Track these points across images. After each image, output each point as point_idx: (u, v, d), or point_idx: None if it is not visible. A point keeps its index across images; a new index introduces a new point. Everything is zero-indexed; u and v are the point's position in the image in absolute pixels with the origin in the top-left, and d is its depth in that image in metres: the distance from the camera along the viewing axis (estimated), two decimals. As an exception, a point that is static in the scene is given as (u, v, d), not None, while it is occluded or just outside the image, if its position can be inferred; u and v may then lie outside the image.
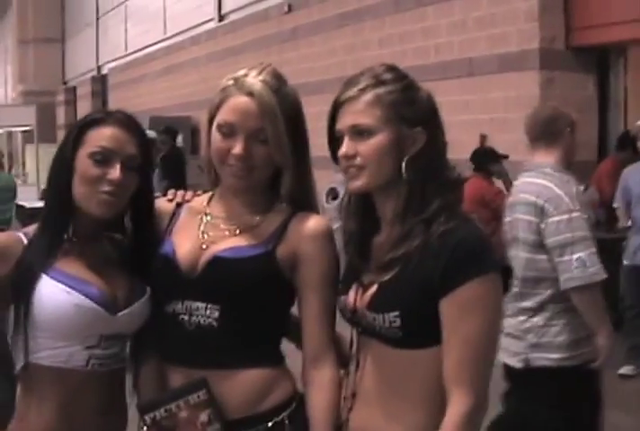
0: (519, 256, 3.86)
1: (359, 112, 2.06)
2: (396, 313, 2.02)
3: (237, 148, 2.17)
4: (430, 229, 2.03)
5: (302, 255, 2.21)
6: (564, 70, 8.97)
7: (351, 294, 2.14)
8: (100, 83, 26.39)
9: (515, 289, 3.86)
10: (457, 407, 1.98)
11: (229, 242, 2.23)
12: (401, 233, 2.07)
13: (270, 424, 2.19)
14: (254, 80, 2.19)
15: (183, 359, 2.21)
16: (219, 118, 2.20)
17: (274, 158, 2.20)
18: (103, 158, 2.20)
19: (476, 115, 9.51)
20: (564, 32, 8.93)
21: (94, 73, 27.22)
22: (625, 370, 6.66)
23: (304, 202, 2.28)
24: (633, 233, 6.85)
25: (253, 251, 2.20)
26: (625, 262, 6.79)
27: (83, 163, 2.21)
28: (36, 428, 2.21)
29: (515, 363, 3.82)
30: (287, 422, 2.20)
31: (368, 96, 2.06)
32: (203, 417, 2.16)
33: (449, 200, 2.08)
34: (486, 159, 8.16)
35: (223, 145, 2.19)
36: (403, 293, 2.03)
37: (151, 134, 13.75)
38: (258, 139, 2.18)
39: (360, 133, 2.06)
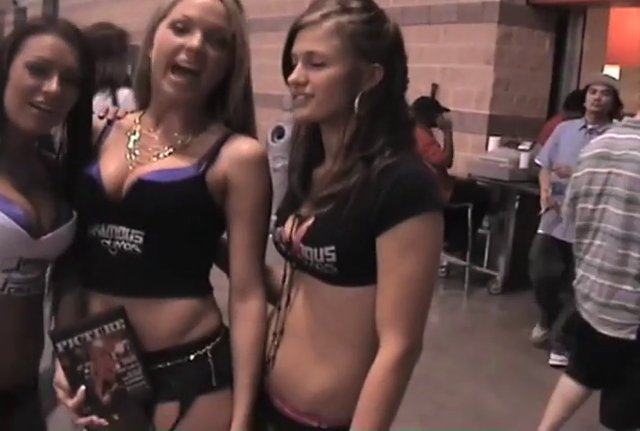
0: (612, 213, 3.79)
1: (316, 39, 1.96)
2: (332, 248, 1.94)
3: (194, 41, 2.03)
4: (371, 165, 1.95)
5: (233, 180, 2.10)
6: (523, 26, 8.94)
7: (287, 226, 2.07)
8: (51, 6, 25.81)
9: (599, 244, 3.83)
10: (389, 349, 1.91)
11: (157, 164, 2.12)
12: (341, 168, 1.98)
13: (191, 357, 2.12)
14: None
15: (105, 286, 2.13)
16: (175, 15, 2.07)
17: (234, 65, 2.10)
18: (40, 68, 2.05)
19: (430, 64, 9.45)
20: (526, -13, 8.89)
21: (47, -6, 26.63)
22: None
23: (242, 125, 2.16)
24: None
25: (182, 175, 2.08)
26: (539, 231, 6.19)
27: (18, 72, 2.06)
28: None
29: (627, 335, 3.78)
30: (210, 356, 2.13)
31: (330, 23, 1.95)
32: (119, 347, 2.07)
33: (396, 139, 1.99)
34: (430, 110, 8.14)
35: (175, 41, 2.05)
36: (339, 227, 1.95)
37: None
38: (215, 40, 2.07)
39: (314, 61, 1.96)
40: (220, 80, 2.12)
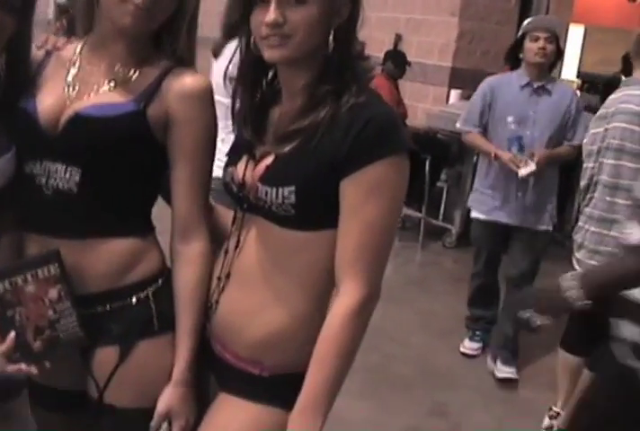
0: (605, 164, 3.81)
1: None
2: (292, 188, 1.86)
3: None
4: (340, 100, 1.87)
5: (175, 116, 2.02)
6: (489, -22, 8.90)
7: (240, 166, 1.99)
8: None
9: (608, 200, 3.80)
10: (349, 296, 1.85)
11: (96, 98, 2.03)
12: (308, 103, 1.90)
13: (133, 299, 2.06)
14: None
15: (40, 226, 2.05)
16: None
17: (183, 2, 2.02)
18: None
19: (394, 14, 9.38)
20: (493, -60, 8.83)
21: None
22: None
23: (185, 59, 2.08)
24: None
25: (121, 109, 2.00)
26: (479, 216, 5.22)
27: None
28: None
29: None
30: (151, 298, 2.07)
31: None
32: (52, 293, 1.99)
33: (361, 74, 1.94)
34: (399, 63, 8.11)
35: None
36: (302, 166, 1.87)
37: (63, -1, 13.31)
38: None
39: None
40: (170, 12, 2.04)
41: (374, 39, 9.37)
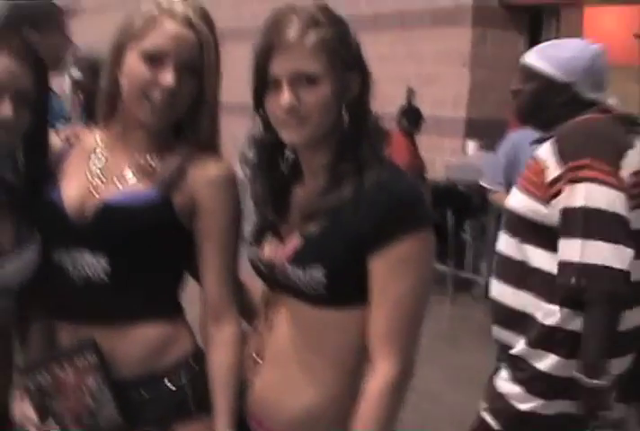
0: None
1: (303, 57, 1.87)
2: (321, 268, 1.86)
3: (168, 78, 1.97)
4: (362, 177, 1.88)
5: (200, 203, 2.03)
6: (496, 28, 8.95)
7: (267, 247, 1.99)
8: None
9: None
10: (384, 371, 1.84)
11: (121, 187, 2.04)
12: (331, 181, 1.91)
13: (167, 383, 2.05)
14: (187, 10, 2.01)
15: (71, 315, 2.04)
16: (147, 45, 1.99)
17: (203, 93, 2.03)
18: None
19: (405, 68, 9.42)
20: (499, -11, 8.89)
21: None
22: None
23: (209, 145, 2.09)
24: None
25: (147, 197, 2.01)
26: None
27: None
28: None
29: None
30: (186, 381, 2.06)
31: (312, 39, 1.86)
32: (90, 381, 1.99)
33: (379, 147, 1.94)
34: (414, 118, 8.14)
35: (149, 75, 1.98)
36: (330, 246, 1.88)
37: (76, 74, 13.47)
38: (187, 71, 2.00)
39: (304, 80, 1.88)
40: (190, 103, 2.06)
41: (386, 94, 9.35)
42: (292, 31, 1.87)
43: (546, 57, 2.80)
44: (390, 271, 1.85)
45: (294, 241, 1.93)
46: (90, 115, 9.62)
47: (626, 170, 2.56)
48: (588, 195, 2.48)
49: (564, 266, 2.48)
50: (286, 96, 1.88)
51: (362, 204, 1.86)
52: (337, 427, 1.91)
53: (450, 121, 8.88)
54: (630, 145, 2.64)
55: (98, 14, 19.21)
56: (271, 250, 1.98)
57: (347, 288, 1.90)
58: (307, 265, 1.88)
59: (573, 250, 2.46)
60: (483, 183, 5.11)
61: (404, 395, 1.89)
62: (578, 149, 2.53)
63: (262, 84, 1.93)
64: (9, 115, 1.97)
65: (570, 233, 2.48)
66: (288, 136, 1.93)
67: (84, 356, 1.99)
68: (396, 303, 1.86)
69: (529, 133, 4.39)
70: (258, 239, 2.04)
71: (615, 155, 2.58)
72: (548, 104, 2.81)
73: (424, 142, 8.78)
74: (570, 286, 2.45)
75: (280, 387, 1.98)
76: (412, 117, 8.27)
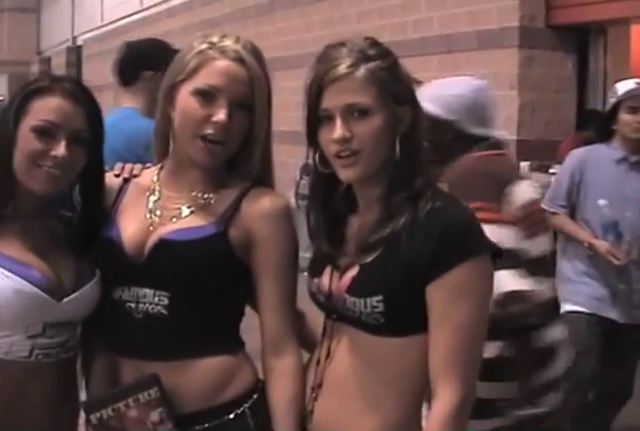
0: None
1: (353, 90, 1.91)
2: (379, 298, 1.89)
3: (221, 114, 2.01)
4: (417, 206, 1.91)
5: (256, 236, 2.07)
6: (544, 48, 8.89)
7: (325, 277, 2.02)
8: (75, 54, 26.07)
9: None
10: (444, 401, 1.86)
11: (178, 223, 2.08)
12: (386, 212, 1.94)
13: (230, 416, 2.06)
14: (237, 46, 2.05)
15: (133, 350, 2.07)
16: (199, 82, 2.03)
17: (254, 128, 2.07)
18: (47, 132, 2.02)
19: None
20: (545, 10, 8.84)
21: (69, 43, 26.88)
22: None
23: (262, 178, 2.13)
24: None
25: (204, 233, 2.05)
26: (578, 309, 4.31)
27: (25, 137, 2.03)
28: None
29: None
30: (248, 414, 2.07)
31: (362, 72, 1.91)
32: (154, 416, 2.01)
33: (431, 177, 1.99)
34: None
35: (201, 112, 2.02)
36: (387, 275, 1.90)
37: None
38: (239, 108, 2.04)
39: (355, 113, 1.91)
40: (242, 138, 2.10)
41: (436, 118, 9.37)
42: (343, 65, 1.91)
43: (432, 98, 2.90)
44: (448, 299, 1.87)
45: (351, 272, 1.96)
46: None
47: (514, 204, 2.75)
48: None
49: None
50: (338, 129, 1.91)
51: (417, 232, 1.89)
52: None
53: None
54: (513, 181, 2.84)
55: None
56: (330, 282, 2.00)
57: (406, 316, 1.92)
58: (365, 294, 1.91)
59: None
60: (542, 205, 4.40)
61: (467, 419, 1.91)
62: (465, 194, 2.55)
63: (315, 119, 1.96)
64: (64, 154, 2.01)
65: None
66: (344, 174, 1.96)
67: (148, 392, 2.01)
68: (456, 331, 1.87)
69: (597, 150, 4.51)
70: (316, 270, 2.06)
71: (500, 193, 2.78)
72: (439, 142, 2.92)
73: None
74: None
75: (340, 416, 1.99)
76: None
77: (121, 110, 3.95)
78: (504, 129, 8.88)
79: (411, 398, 1.94)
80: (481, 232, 1.94)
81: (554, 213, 4.39)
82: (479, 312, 1.90)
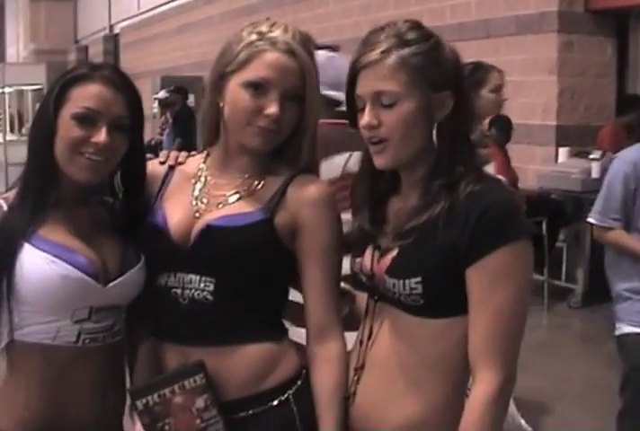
0: None
1: (382, 77, 1.90)
2: (418, 279, 1.88)
3: (273, 108, 2.01)
4: (456, 191, 1.89)
5: (302, 222, 2.06)
6: (583, 33, 8.82)
7: (367, 257, 2.01)
8: (112, 43, 26.20)
9: None
10: (485, 384, 1.85)
11: (224, 210, 2.08)
12: (424, 200, 1.93)
13: (274, 403, 2.06)
14: (287, 37, 2.04)
15: (178, 336, 2.08)
16: (250, 74, 2.03)
17: (304, 118, 2.07)
18: (88, 119, 2.01)
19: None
20: (584, -5, 8.78)
21: (106, 32, 27.00)
22: None
23: (308, 167, 2.14)
24: None
25: (250, 219, 2.05)
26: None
27: (65, 124, 2.02)
28: (24, 411, 2.05)
29: None
30: (292, 400, 2.07)
31: (392, 59, 1.89)
32: (199, 402, 2.02)
33: (475, 164, 1.95)
34: (505, 128, 8.07)
35: (253, 104, 2.02)
36: (426, 257, 1.89)
37: (161, 94, 13.72)
38: (290, 99, 2.04)
39: (383, 100, 1.91)
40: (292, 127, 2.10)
41: (474, 104, 9.34)
42: (376, 51, 1.91)
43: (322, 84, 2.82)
44: (488, 282, 1.85)
45: (391, 253, 1.95)
46: (178, 133, 9.80)
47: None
48: None
49: None
50: (366, 116, 1.93)
51: (456, 215, 1.87)
52: None
53: (541, 129, 8.79)
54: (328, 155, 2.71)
55: (179, 35, 19.49)
56: (371, 262, 2.00)
57: (445, 298, 1.91)
58: (404, 276, 1.90)
59: None
60: (591, 220, 3.93)
61: (508, 403, 1.90)
62: None
63: (354, 104, 1.97)
64: (106, 141, 2.01)
65: None
66: (376, 160, 1.97)
67: (193, 378, 2.01)
68: (495, 314, 1.85)
69: None
70: (358, 250, 2.06)
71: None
72: None
73: (515, 151, 8.68)
74: None
75: (381, 398, 1.98)
76: (501, 127, 8.20)
77: None
78: (544, 115, 8.78)
79: (453, 380, 1.93)
80: (522, 215, 1.91)
81: (607, 228, 3.80)
82: (519, 297, 1.87)
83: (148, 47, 21.99)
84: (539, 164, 8.64)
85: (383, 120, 1.92)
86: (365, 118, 1.93)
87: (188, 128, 11.51)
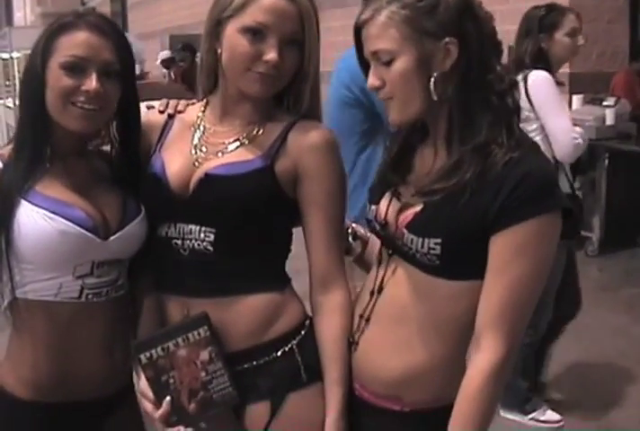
0: None
1: (375, 37, 1.86)
2: (438, 240, 1.83)
3: (272, 54, 1.97)
4: (488, 157, 1.81)
5: (303, 169, 2.03)
6: (595, -21, 8.72)
7: (383, 204, 1.97)
8: (119, 3, 26.04)
9: None
10: (489, 354, 1.81)
11: (224, 158, 2.05)
12: (450, 163, 1.86)
13: (278, 353, 2.05)
14: None
15: (180, 288, 2.06)
16: (247, 20, 1.98)
17: (304, 64, 2.04)
18: (77, 67, 1.97)
19: (504, 26, 9.25)
20: (595, -62, 8.66)
21: (114, -8, 26.85)
22: None
23: (310, 113, 2.10)
24: None
25: (249, 167, 2.01)
26: None
27: (54, 75, 1.98)
28: (30, 370, 2.05)
29: None
30: (296, 350, 2.06)
31: (382, 17, 1.84)
32: (204, 355, 2.01)
33: (503, 119, 1.85)
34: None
35: (251, 50, 1.98)
36: (451, 219, 1.82)
37: (167, 54, 13.66)
38: (289, 44, 2.00)
39: (381, 59, 1.86)
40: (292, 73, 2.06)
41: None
42: (369, 10, 1.87)
43: None
44: (510, 252, 1.80)
45: (415, 208, 1.90)
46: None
47: None
48: None
49: None
50: (369, 78, 1.90)
51: (489, 182, 1.81)
52: (444, 385, 1.91)
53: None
54: None
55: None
56: (387, 209, 1.96)
57: (462, 262, 1.87)
58: (425, 234, 1.86)
59: None
60: None
61: (507, 374, 1.87)
62: None
63: (368, 64, 1.93)
64: (97, 88, 1.97)
65: None
66: (390, 118, 1.93)
67: (197, 331, 2.00)
68: (512, 285, 1.81)
69: None
70: (375, 196, 2.02)
71: None
72: None
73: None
74: None
75: (384, 348, 1.97)
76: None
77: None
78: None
79: (457, 341, 1.91)
80: (557, 188, 1.86)
81: None
82: (538, 272, 1.83)
83: (156, 6, 21.85)
84: (553, 112, 8.56)
85: (385, 79, 1.88)
86: (369, 80, 1.91)
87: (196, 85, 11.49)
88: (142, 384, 2.05)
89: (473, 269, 1.85)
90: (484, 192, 1.80)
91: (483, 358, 1.82)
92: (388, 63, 1.86)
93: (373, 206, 2.02)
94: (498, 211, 1.79)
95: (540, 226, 1.80)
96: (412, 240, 1.88)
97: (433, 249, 1.84)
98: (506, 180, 1.79)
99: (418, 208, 1.89)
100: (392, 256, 2.00)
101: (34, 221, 1.96)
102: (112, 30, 2.04)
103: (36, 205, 1.97)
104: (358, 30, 1.91)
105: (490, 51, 1.88)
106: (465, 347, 1.88)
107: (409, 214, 1.91)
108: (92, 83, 1.97)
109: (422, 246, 1.86)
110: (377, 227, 2.01)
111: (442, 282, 1.89)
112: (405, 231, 1.90)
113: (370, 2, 1.89)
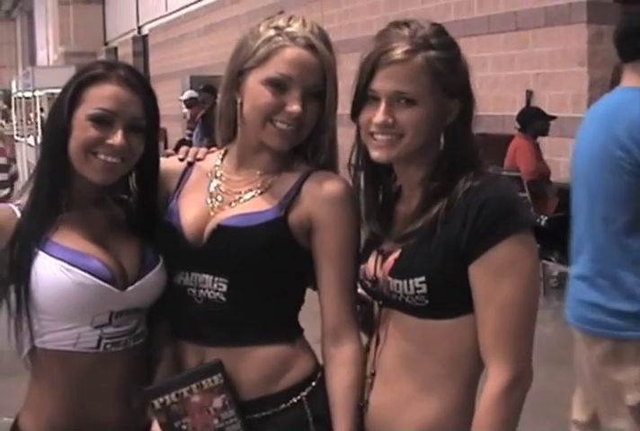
0: None
1: (405, 77, 1.87)
2: (422, 278, 1.86)
3: (295, 106, 1.98)
4: (454, 189, 1.87)
5: (317, 221, 2.02)
6: (613, 23, 8.65)
7: (371, 262, 1.99)
8: (141, 44, 26.30)
9: None
10: (495, 379, 1.84)
11: (237, 208, 2.05)
12: (423, 202, 1.92)
13: (287, 404, 2.04)
14: (306, 32, 2.01)
15: (195, 336, 2.06)
16: (271, 71, 1.99)
17: (325, 115, 2.04)
18: (104, 120, 1.98)
19: (522, 71, 9.30)
20: (613, -16, 8.70)
21: (135, 33, 27.12)
22: None
23: (327, 164, 2.10)
24: None
25: (263, 218, 2.01)
26: None
27: (80, 125, 1.99)
28: (49, 417, 2.04)
29: None
30: (306, 402, 2.04)
31: (418, 61, 1.87)
32: (217, 402, 2.00)
33: (474, 162, 1.94)
34: (536, 119, 8.01)
35: (273, 101, 1.99)
36: (428, 256, 1.87)
37: (192, 93, 13.74)
38: (311, 96, 2.01)
39: (402, 100, 1.88)
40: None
41: (505, 98, 9.30)
42: (401, 49, 1.88)
43: None
44: (491, 277, 1.84)
45: (394, 255, 1.93)
46: (206, 132, 9.81)
47: None
48: None
49: None
50: (381, 114, 1.90)
51: (456, 212, 1.86)
52: None
53: (571, 121, 8.68)
54: None
55: (207, 35, 19.52)
56: (374, 266, 1.98)
57: (450, 297, 1.89)
58: (408, 275, 1.89)
59: None
60: None
61: (522, 399, 1.88)
62: None
63: (363, 96, 1.93)
64: (122, 142, 1.98)
65: None
66: (376, 153, 1.95)
67: (212, 378, 2.00)
68: (502, 310, 1.84)
69: None
70: (363, 256, 2.04)
71: None
72: None
73: (546, 144, 8.64)
74: None
75: (396, 403, 1.97)
76: (531, 119, 8.14)
77: (621, 91, 3.29)
78: (574, 107, 8.72)
79: (465, 379, 1.92)
80: (520, 207, 1.92)
81: None
82: (525, 290, 1.86)
83: (177, 47, 22.06)
84: (572, 156, 8.57)
85: (398, 118, 1.90)
86: (380, 117, 1.90)
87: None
88: (154, 430, 2.04)
89: (464, 304, 1.87)
90: (453, 221, 1.86)
91: (490, 385, 1.85)
92: (408, 105, 1.89)
93: (362, 266, 2.03)
94: (468, 240, 1.84)
95: (512, 247, 1.84)
96: (397, 285, 1.91)
97: (419, 288, 1.87)
98: (469, 207, 1.85)
99: (397, 254, 1.93)
100: (383, 309, 2.01)
101: (52, 272, 1.96)
102: (141, 84, 2.05)
103: (53, 256, 1.98)
104: (377, 66, 1.90)
105: (472, 114, 1.98)
106: (475, 386, 1.91)
107: (390, 261, 1.94)
108: (117, 137, 1.98)
109: (409, 288, 1.89)
110: (369, 285, 2.02)
111: (438, 323, 1.91)
112: (389, 278, 1.92)
113: (396, 41, 1.89)
